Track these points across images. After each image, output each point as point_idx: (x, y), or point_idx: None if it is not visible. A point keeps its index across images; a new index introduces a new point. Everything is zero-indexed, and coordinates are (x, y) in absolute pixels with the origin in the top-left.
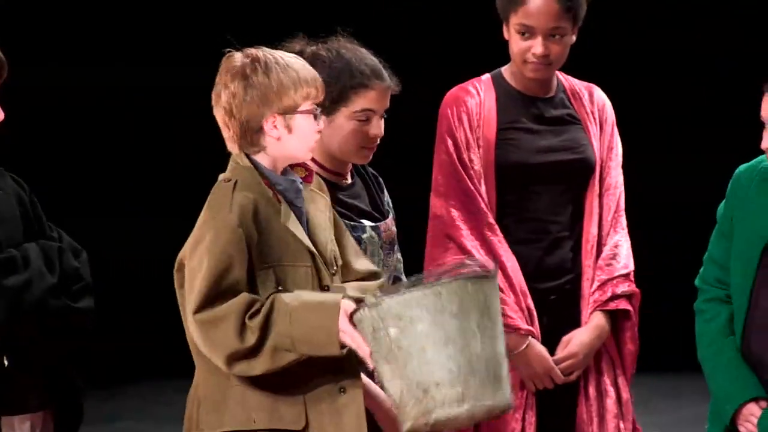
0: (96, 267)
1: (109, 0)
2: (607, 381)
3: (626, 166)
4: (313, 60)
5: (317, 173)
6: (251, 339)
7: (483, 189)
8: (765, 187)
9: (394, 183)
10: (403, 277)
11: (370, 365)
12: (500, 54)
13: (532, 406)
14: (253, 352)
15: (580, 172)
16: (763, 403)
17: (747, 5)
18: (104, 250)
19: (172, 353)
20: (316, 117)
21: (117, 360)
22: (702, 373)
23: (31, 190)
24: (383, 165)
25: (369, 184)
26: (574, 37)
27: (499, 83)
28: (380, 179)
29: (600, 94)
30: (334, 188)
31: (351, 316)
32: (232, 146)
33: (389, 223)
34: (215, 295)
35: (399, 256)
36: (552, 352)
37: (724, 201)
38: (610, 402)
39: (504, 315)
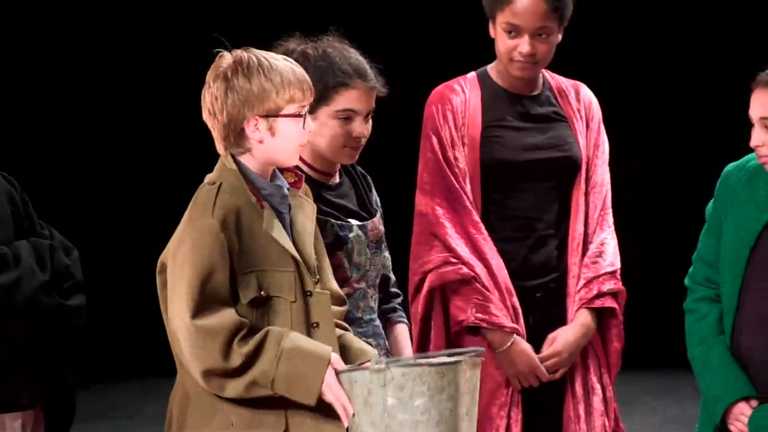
0: (95, 266)
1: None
2: (593, 379)
3: (615, 166)
4: (301, 59)
5: (305, 173)
6: (235, 362)
7: (468, 187)
8: (753, 185)
9: (382, 182)
10: (391, 275)
11: (346, 423)
12: (487, 52)
13: (518, 403)
14: (232, 374)
15: (566, 170)
16: (754, 402)
17: (735, 4)
18: (101, 249)
19: (166, 352)
20: (304, 119)
21: (109, 358)
22: (692, 372)
23: (23, 188)
24: (372, 164)
25: (357, 184)
26: (560, 37)
27: (484, 81)
28: (369, 178)
29: (586, 92)
30: (321, 188)
31: (338, 372)
32: (218, 147)
33: (376, 222)
34: (201, 301)
35: (387, 254)
36: (538, 350)
37: (712, 200)
38: (597, 400)
39: (489, 313)
